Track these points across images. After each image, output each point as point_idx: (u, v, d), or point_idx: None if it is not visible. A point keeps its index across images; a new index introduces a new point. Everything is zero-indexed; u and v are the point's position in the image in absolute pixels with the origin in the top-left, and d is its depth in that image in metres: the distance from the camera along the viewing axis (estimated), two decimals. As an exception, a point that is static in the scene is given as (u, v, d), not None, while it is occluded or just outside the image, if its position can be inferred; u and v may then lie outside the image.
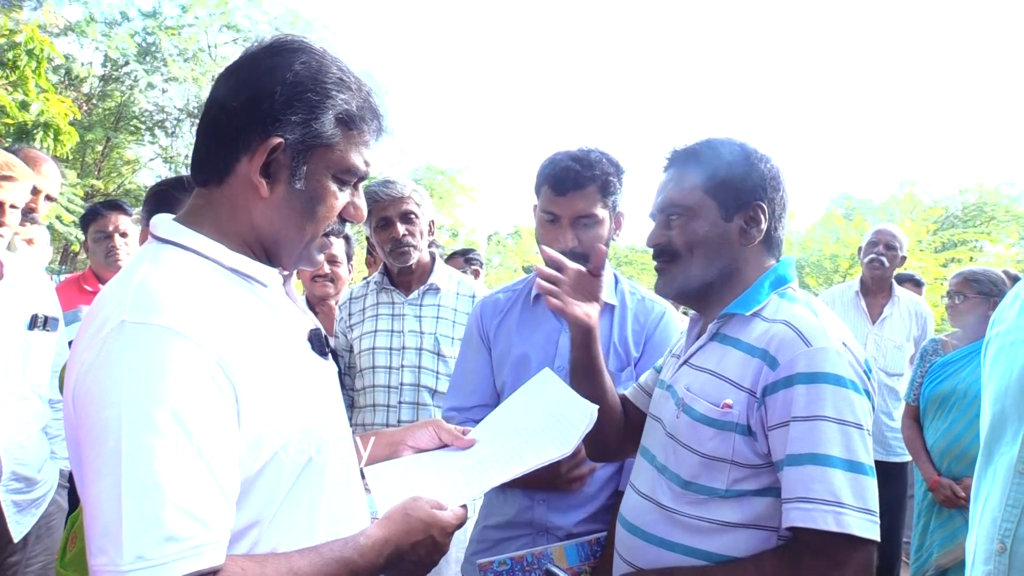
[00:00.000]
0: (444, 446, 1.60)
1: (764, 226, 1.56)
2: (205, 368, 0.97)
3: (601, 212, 2.03)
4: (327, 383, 1.24)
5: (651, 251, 1.64)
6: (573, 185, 1.99)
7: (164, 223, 1.15)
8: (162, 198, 1.97)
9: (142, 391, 0.93)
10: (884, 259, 4.22)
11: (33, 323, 2.39)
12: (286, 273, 1.27)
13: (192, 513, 0.92)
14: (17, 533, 2.33)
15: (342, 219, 1.22)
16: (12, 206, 2.30)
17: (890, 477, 4.05)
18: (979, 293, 3.24)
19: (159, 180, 2.10)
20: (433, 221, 2.78)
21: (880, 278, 4.27)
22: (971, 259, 18.31)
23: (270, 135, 1.11)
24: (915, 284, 5.59)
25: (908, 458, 4.17)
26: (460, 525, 1.30)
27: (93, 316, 1.04)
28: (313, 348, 1.22)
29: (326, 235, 1.22)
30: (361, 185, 1.24)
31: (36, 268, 2.66)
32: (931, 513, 3.19)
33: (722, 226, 1.55)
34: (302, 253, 1.21)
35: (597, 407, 1.54)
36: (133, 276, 1.05)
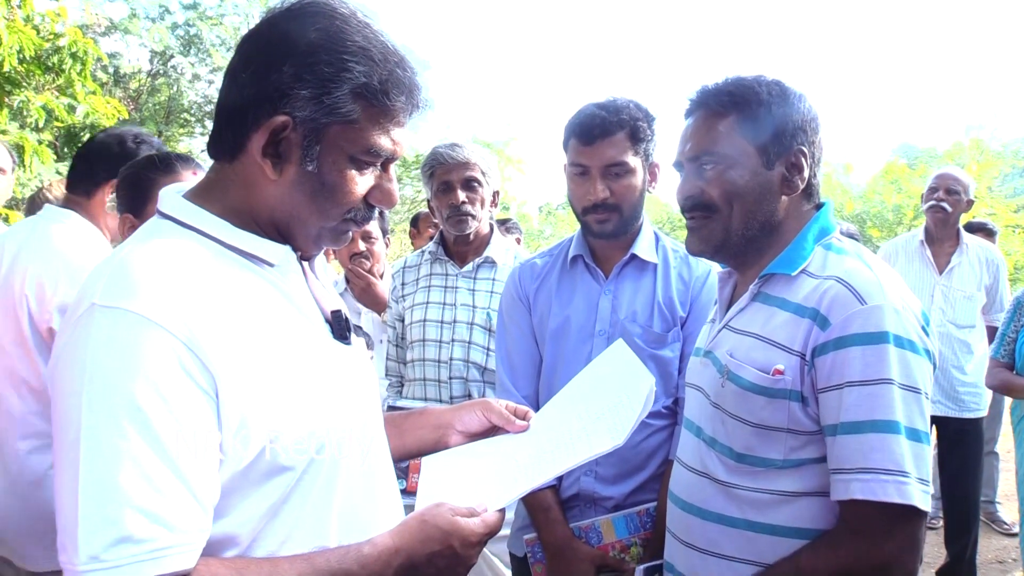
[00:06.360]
0: (494, 428, 1.45)
1: (806, 174, 1.43)
2: (177, 359, 0.90)
3: (632, 160, 1.93)
4: (348, 371, 1.14)
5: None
6: (600, 133, 1.90)
7: (169, 197, 1.08)
8: (134, 181, 1.89)
9: (105, 382, 0.88)
10: (946, 204, 3.96)
11: None
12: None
13: (153, 514, 0.87)
14: None
15: (369, 204, 1.12)
16: None
17: (965, 435, 3.88)
18: None
19: (129, 163, 2.00)
20: (497, 192, 2.65)
21: (944, 224, 4.02)
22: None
23: (276, 112, 1.01)
24: (987, 233, 5.21)
25: (983, 413, 3.95)
26: (491, 533, 1.16)
27: (79, 294, 0.98)
28: (332, 332, 1.13)
29: (352, 221, 1.12)
30: (392, 166, 1.13)
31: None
32: None
33: (763, 175, 1.41)
34: (320, 235, 1.11)
35: (653, 381, 1.40)
36: (119, 253, 0.99)
